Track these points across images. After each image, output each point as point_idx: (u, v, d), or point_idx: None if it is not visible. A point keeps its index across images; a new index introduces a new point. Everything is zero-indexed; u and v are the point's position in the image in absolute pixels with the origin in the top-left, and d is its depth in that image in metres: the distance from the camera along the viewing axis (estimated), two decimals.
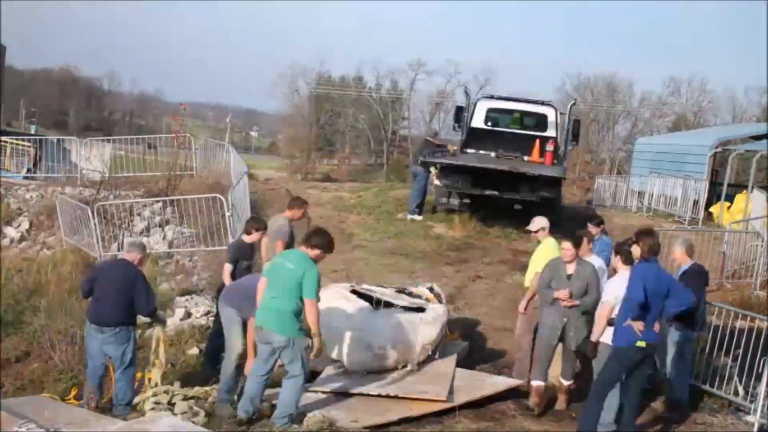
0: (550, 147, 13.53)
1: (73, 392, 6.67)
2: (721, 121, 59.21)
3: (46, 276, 10.80)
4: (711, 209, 18.08)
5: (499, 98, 15.60)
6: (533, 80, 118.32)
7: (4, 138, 21.00)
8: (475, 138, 14.40)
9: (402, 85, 72.85)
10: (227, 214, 11.39)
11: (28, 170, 19.42)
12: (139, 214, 12.89)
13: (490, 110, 15.04)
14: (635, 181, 20.38)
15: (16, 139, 21.76)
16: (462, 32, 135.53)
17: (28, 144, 20.67)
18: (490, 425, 6.05)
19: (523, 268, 11.91)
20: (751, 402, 6.59)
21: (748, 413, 6.63)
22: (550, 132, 14.31)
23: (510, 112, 15.11)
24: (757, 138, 21.70)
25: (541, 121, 14.64)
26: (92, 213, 11.60)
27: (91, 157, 17.25)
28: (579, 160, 63.82)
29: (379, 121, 70.78)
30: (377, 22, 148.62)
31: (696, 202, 16.86)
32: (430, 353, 6.97)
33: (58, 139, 19.58)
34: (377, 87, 73.60)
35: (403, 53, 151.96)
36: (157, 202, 13.12)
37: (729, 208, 17.97)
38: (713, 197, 18.73)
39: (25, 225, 13.54)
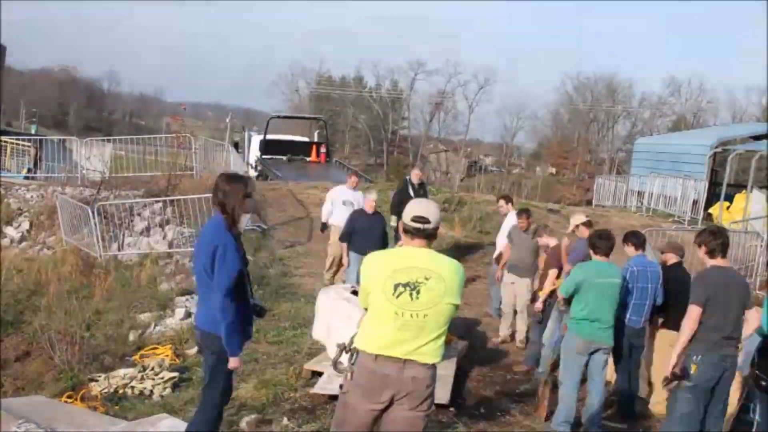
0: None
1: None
2: (720, 121, 59.35)
3: (46, 276, 10.82)
4: (711, 209, 18.09)
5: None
6: (533, 80, 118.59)
7: (4, 138, 20.98)
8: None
9: (402, 85, 72.94)
10: None
11: (29, 170, 19.42)
12: (139, 214, 12.89)
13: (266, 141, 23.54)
14: (635, 181, 20.39)
15: (17, 139, 21.77)
16: (462, 32, 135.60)
17: (29, 144, 20.68)
18: (490, 425, 6.06)
19: None
20: (751, 402, 6.58)
21: (748, 413, 6.62)
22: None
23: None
24: (757, 138, 21.72)
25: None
26: (92, 213, 11.61)
27: (92, 157, 17.25)
28: (579, 160, 64.11)
29: (379, 121, 70.83)
30: (378, 21, 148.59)
31: (696, 202, 16.87)
32: None
33: (60, 140, 19.56)
34: (377, 87, 73.60)
35: (403, 53, 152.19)
36: (158, 202, 13.12)
37: (728, 208, 17.99)
38: (713, 197, 18.75)
39: (26, 225, 13.55)
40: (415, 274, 3.45)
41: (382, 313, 3.48)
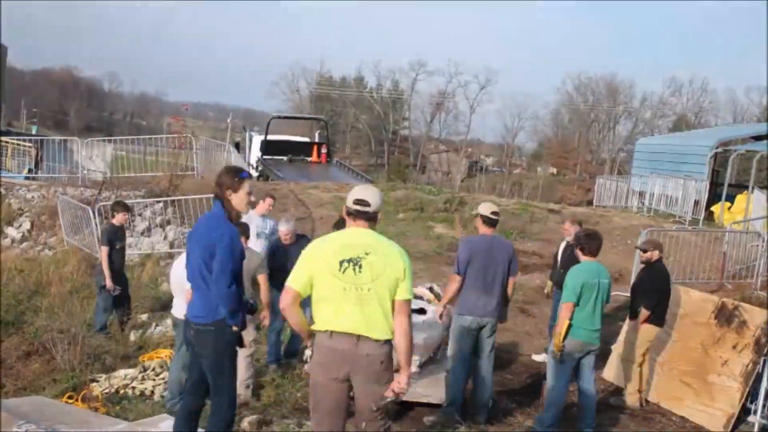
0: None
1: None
2: (721, 121, 59.30)
3: (47, 276, 10.82)
4: (712, 209, 18.08)
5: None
6: (534, 80, 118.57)
7: (5, 138, 21.04)
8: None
9: (403, 86, 72.95)
10: None
11: (30, 170, 19.43)
12: (140, 215, 12.90)
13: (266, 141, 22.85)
14: (636, 181, 20.36)
15: (18, 140, 21.79)
16: (463, 32, 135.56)
17: (30, 144, 20.70)
18: (491, 425, 6.05)
19: (523, 268, 11.97)
20: (751, 402, 6.59)
21: (749, 413, 6.63)
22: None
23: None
24: (758, 138, 21.71)
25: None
26: (93, 213, 11.62)
27: (93, 157, 17.28)
28: (580, 161, 64.08)
29: (379, 121, 70.84)
30: (378, 21, 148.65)
31: (697, 203, 16.85)
32: (431, 355, 6.97)
33: (61, 140, 19.56)
34: (378, 87, 73.60)
35: (404, 53, 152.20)
36: (159, 202, 13.13)
37: (730, 208, 17.98)
38: (714, 197, 18.73)
39: (27, 225, 13.56)
40: (356, 250, 3.73)
41: (330, 290, 3.70)
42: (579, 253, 5.94)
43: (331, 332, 3.68)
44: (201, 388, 4.40)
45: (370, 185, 4.27)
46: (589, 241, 5.86)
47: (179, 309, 5.62)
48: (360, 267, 3.68)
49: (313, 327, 3.78)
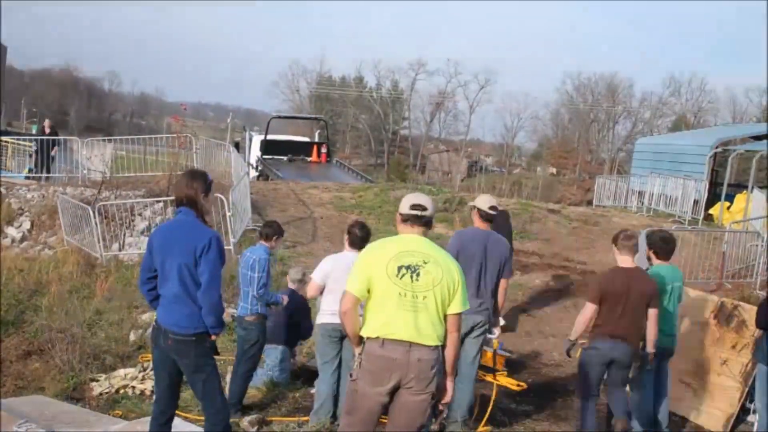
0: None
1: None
2: (721, 121, 59.23)
3: (47, 276, 10.82)
4: (711, 209, 18.09)
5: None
6: (533, 79, 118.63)
7: (5, 138, 21.02)
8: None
9: (403, 86, 72.96)
10: (228, 213, 11.43)
11: (30, 170, 19.41)
12: (140, 214, 12.89)
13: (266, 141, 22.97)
14: (635, 181, 20.37)
15: (18, 140, 21.78)
16: (463, 32, 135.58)
17: (30, 144, 20.68)
18: (492, 426, 6.06)
19: (522, 267, 11.99)
20: (750, 402, 6.59)
21: (748, 413, 6.64)
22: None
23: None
24: (757, 138, 21.74)
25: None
26: (93, 213, 11.61)
27: (92, 157, 17.25)
28: (579, 161, 64.08)
29: (379, 121, 70.85)
30: (378, 21, 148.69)
31: (696, 202, 16.87)
32: None
33: (64, 140, 19.53)
34: (378, 87, 73.61)
35: (404, 53, 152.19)
36: (158, 202, 13.12)
37: (729, 208, 18.00)
38: (713, 197, 18.75)
39: (27, 225, 13.55)
40: (415, 258, 3.74)
41: (385, 294, 3.68)
42: (652, 256, 5.79)
43: (383, 340, 3.65)
44: (172, 394, 4.39)
45: (419, 192, 4.20)
46: (664, 245, 5.75)
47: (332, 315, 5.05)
48: (418, 275, 3.69)
49: (363, 332, 3.74)
